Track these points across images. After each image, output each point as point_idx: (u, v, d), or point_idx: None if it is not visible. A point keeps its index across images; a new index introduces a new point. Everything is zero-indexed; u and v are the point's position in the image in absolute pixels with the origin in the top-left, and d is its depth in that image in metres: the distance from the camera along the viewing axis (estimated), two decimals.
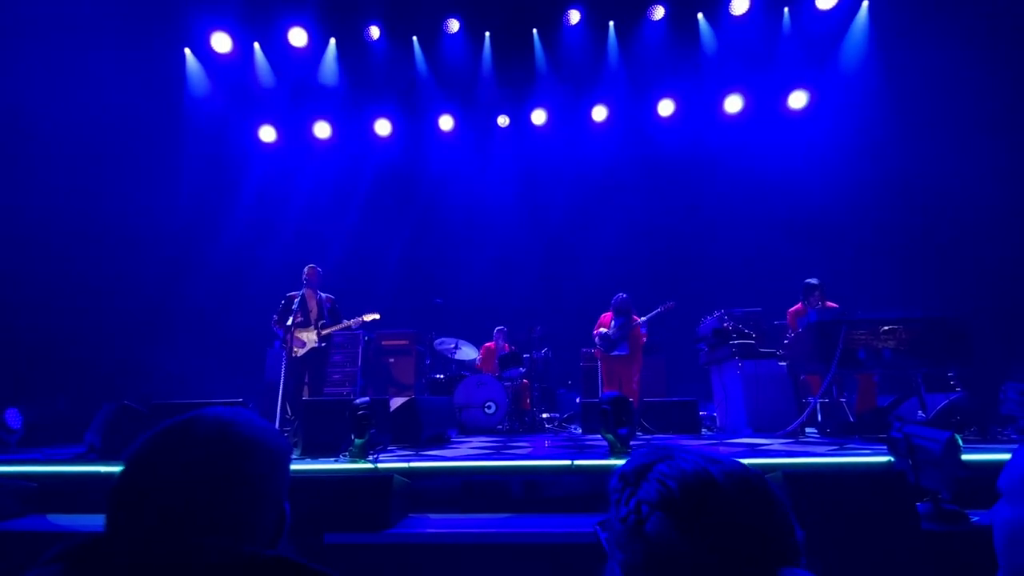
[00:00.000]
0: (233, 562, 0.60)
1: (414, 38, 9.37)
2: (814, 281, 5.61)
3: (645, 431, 5.51)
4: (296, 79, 9.43)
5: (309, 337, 5.65)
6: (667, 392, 7.21)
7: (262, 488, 0.71)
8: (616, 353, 6.16)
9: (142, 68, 7.99)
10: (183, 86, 8.85)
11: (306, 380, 5.71)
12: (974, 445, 3.66)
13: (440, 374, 7.04)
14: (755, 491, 0.61)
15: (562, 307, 8.75)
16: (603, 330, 6.26)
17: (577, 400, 7.38)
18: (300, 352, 5.60)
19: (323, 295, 5.89)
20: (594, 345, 6.42)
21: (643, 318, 6.23)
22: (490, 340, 7.40)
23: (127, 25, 7.55)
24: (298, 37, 9.04)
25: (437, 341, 7.27)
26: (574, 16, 9.06)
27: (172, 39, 8.59)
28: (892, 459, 2.55)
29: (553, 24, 9.18)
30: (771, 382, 5.38)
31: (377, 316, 5.82)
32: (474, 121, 9.82)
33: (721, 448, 4.05)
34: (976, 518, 2.28)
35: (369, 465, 3.29)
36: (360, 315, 5.81)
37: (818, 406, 5.15)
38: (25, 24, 6.83)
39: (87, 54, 7.22)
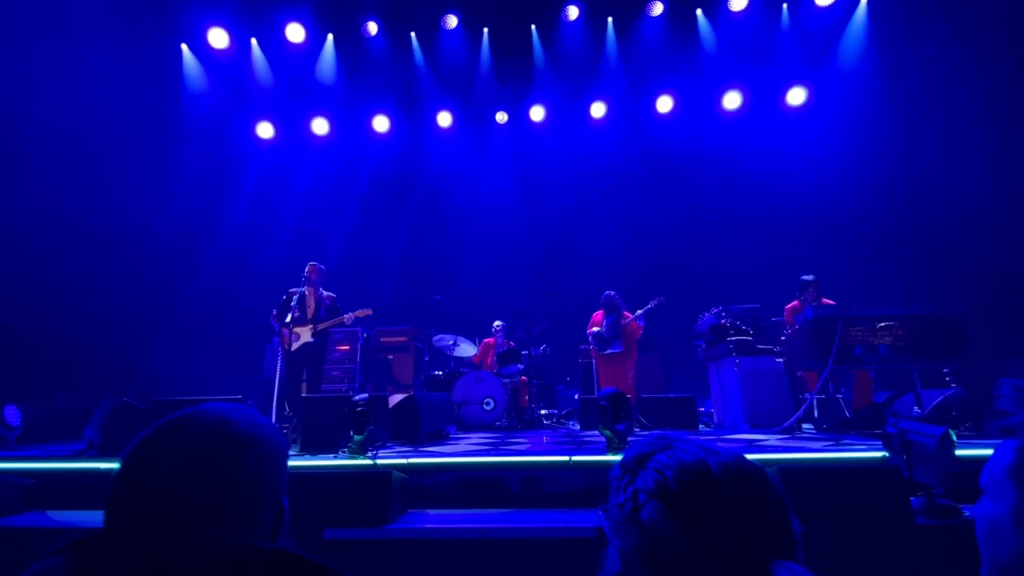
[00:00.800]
0: (234, 555, 0.61)
1: (412, 34, 9.34)
2: (809, 278, 5.61)
3: (643, 427, 5.54)
4: (294, 75, 9.39)
5: (304, 333, 5.66)
6: (665, 388, 7.23)
7: (261, 484, 0.72)
8: (610, 351, 6.17)
9: (139, 64, 7.96)
10: (180, 82, 8.81)
11: (304, 377, 5.72)
12: (969, 440, 3.69)
13: (439, 371, 7.04)
14: (750, 484, 0.63)
15: (561, 303, 8.74)
16: (596, 329, 6.27)
17: (575, 396, 7.40)
18: (295, 347, 5.61)
19: (324, 293, 5.88)
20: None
21: (638, 312, 6.24)
22: (489, 336, 7.41)
23: (123, 21, 7.52)
24: (295, 33, 8.99)
25: (436, 338, 7.27)
26: (573, 12, 9.03)
27: (169, 35, 8.54)
28: (887, 454, 2.57)
29: (552, 20, 9.15)
30: (768, 378, 5.40)
31: (370, 311, 5.82)
32: (473, 117, 9.78)
33: (718, 444, 4.07)
34: (969, 512, 2.30)
35: (368, 461, 3.30)
36: (353, 311, 5.80)
37: (815, 402, 5.18)
38: (20, 20, 6.80)
39: (83, 51, 7.19)
